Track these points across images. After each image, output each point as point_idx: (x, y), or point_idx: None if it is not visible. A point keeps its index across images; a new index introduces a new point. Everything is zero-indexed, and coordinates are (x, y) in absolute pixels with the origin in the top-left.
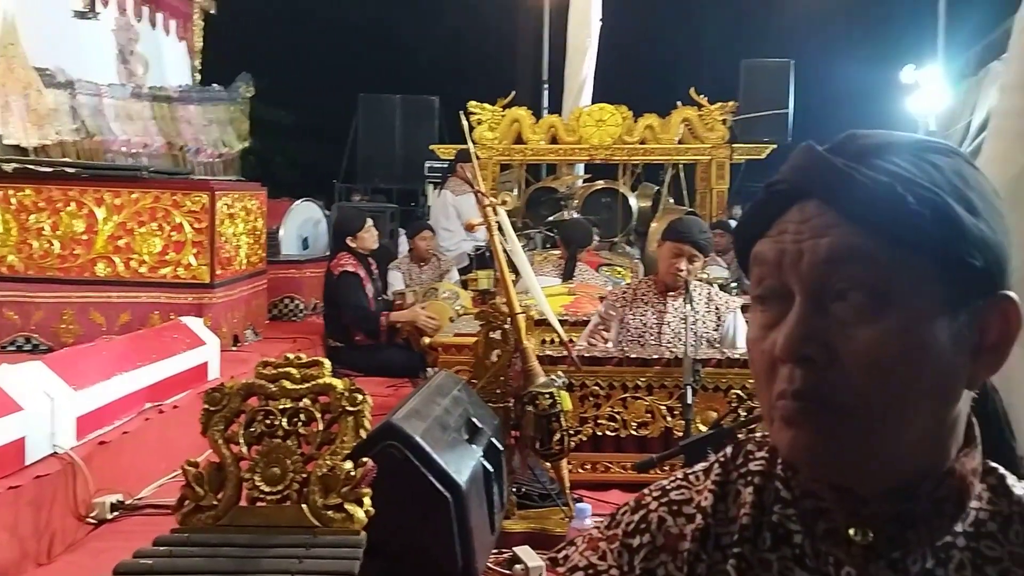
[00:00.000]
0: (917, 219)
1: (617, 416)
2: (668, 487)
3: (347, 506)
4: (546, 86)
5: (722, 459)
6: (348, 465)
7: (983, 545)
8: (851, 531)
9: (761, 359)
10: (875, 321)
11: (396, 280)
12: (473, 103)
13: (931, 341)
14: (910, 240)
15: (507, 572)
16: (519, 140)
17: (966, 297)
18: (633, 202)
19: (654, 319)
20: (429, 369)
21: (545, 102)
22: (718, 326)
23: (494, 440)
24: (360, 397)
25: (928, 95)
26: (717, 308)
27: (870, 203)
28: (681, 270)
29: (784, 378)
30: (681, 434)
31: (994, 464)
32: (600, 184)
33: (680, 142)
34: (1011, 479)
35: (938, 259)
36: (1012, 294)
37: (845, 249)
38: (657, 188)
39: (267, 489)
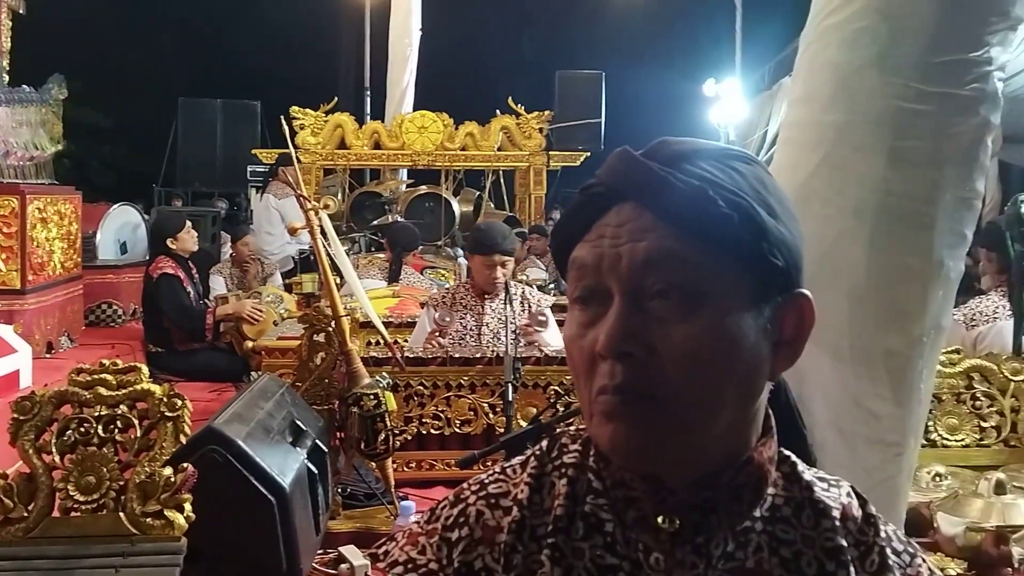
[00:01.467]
0: (727, 221)
1: (441, 415)
2: (486, 481)
3: (167, 513)
4: (368, 93)
5: (538, 452)
6: (167, 471)
7: (778, 529)
8: (659, 519)
9: (581, 356)
10: (690, 318)
11: (218, 285)
12: (296, 108)
13: (740, 336)
14: (720, 241)
15: (332, 572)
16: (342, 145)
17: (769, 294)
18: (455, 206)
19: (473, 322)
20: (253, 373)
21: (368, 108)
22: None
23: (319, 442)
24: (179, 402)
25: (728, 107)
26: (531, 307)
27: (685, 206)
28: (498, 279)
29: (604, 374)
30: (503, 430)
31: (787, 452)
32: (423, 189)
33: (499, 149)
34: (802, 466)
35: (745, 259)
36: (807, 291)
37: (662, 251)
38: (479, 193)
39: (81, 498)
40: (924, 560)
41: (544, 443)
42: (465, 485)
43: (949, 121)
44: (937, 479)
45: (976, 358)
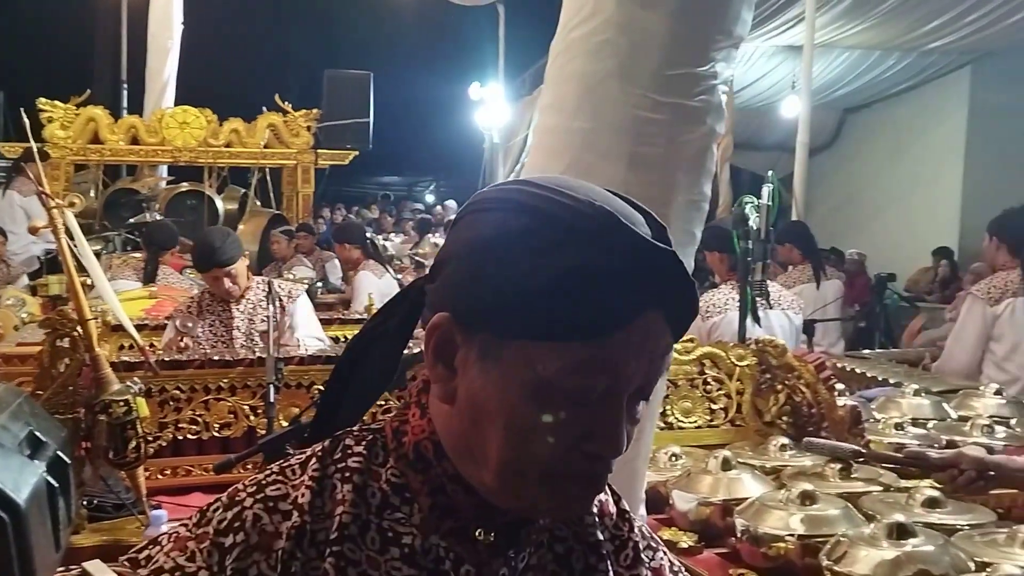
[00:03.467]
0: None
1: (199, 419)
2: (264, 482)
3: None
4: (126, 86)
5: (319, 453)
6: None
7: (555, 527)
8: (477, 532)
9: (559, 436)
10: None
11: None
12: (43, 100)
13: None
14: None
15: None
16: (96, 140)
17: None
18: (219, 204)
19: (222, 327)
20: None
21: (125, 102)
22: (283, 317)
23: (60, 453)
24: None
25: (492, 111)
26: (280, 299)
27: (691, 318)
28: (229, 289)
29: (592, 464)
30: (264, 432)
31: None
32: (185, 186)
33: (266, 146)
34: None
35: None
36: None
37: (669, 356)
38: (244, 191)
39: None
40: (665, 553)
41: (326, 444)
42: (240, 486)
43: (681, 129)
44: (673, 459)
45: (708, 346)
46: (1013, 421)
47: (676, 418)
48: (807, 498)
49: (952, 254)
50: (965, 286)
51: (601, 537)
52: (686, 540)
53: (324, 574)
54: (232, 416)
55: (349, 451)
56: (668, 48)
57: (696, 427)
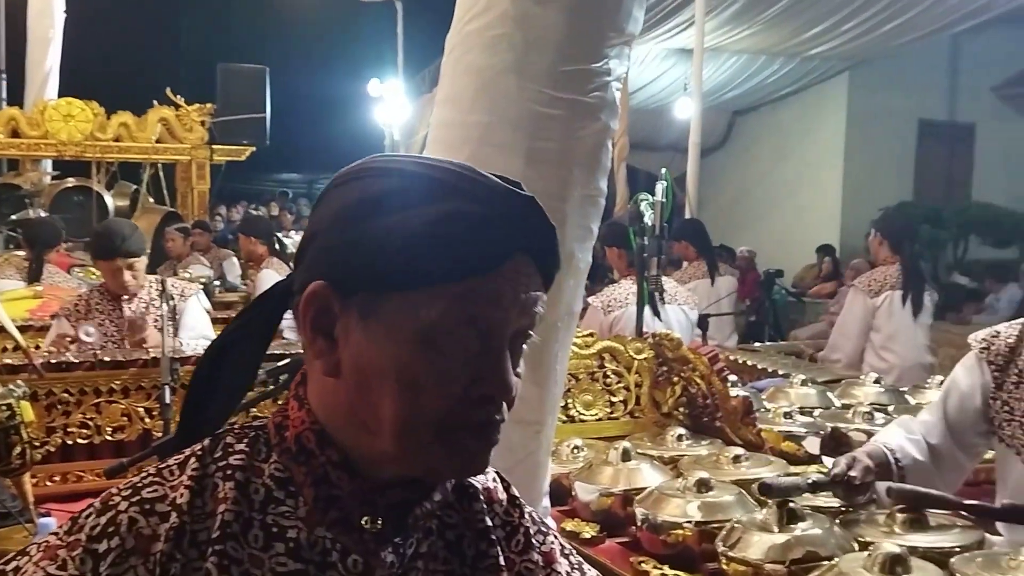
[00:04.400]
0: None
1: (90, 422)
2: (140, 485)
3: None
4: (4, 77)
5: (199, 452)
6: None
7: (445, 514)
8: (363, 520)
9: (450, 382)
10: (522, 353)
11: None
12: None
13: None
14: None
15: None
16: None
17: None
18: (109, 200)
19: (113, 327)
20: None
21: (4, 93)
22: (175, 316)
23: None
24: None
25: (392, 107)
26: (172, 298)
27: (556, 265)
28: (128, 282)
29: (485, 410)
30: (160, 435)
31: None
32: (71, 182)
33: (158, 141)
34: None
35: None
36: None
37: (541, 300)
38: (136, 187)
39: None
40: (556, 537)
41: (205, 443)
42: (114, 491)
43: (576, 125)
44: (575, 451)
45: (607, 340)
46: (891, 408)
47: (578, 411)
48: (703, 486)
49: (834, 251)
50: (846, 281)
51: (491, 523)
52: (588, 530)
53: (206, 574)
54: (126, 419)
55: (230, 449)
56: (563, 44)
57: (597, 420)
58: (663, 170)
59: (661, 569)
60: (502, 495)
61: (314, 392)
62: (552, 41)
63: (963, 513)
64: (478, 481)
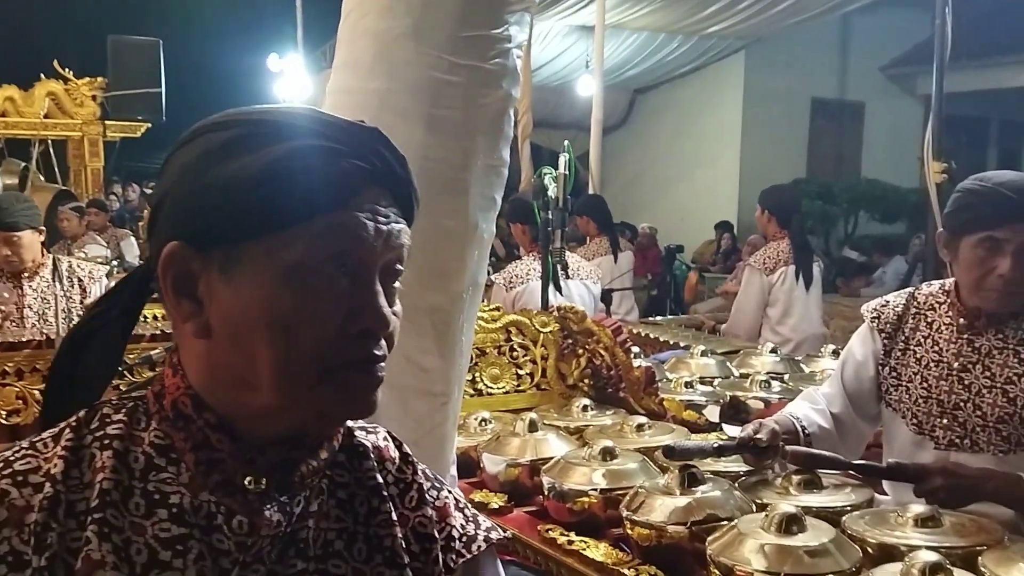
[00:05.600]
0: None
1: None
2: (12, 458)
3: None
4: None
5: (74, 424)
6: None
7: (335, 473)
8: (246, 480)
9: (323, 321)
10: (395, 293)
11: None
12: None
13: None
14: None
15: None
16: None
17: None
18: None
19: (13, 306)
20: None
21: None
22: (84, 298)
23: None
24: None
25: (292, 82)
26: (80, 280)
27: (414, 196)
28: (10, 257)
29: (363, 344)
30: None
31: None
32: None
33: (47, 116)
34: None
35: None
36: None
37: (405, 235)
38: (24, 165)
39: None
40: (450, 492)
41: (81, 415)
42: None
43: (477, 93)
44: (483, 424)
45: (513, 314)
46: (787, 376)
47: (485, 385)
48: (607, 454)
49: (732, 227)
50: (744, 257)
51: (382, 480)
52: (496, 501)
53: (86, 543)
54: (21, 402)
55: (108, 419)
56: (461, 9)
57: (504, 392)
58: (565, 143)
59: (568, 536)
60: (394, 452)
61: (187, 358)
62: (450, 6)
63: (852, 472)
64: (368, 440)
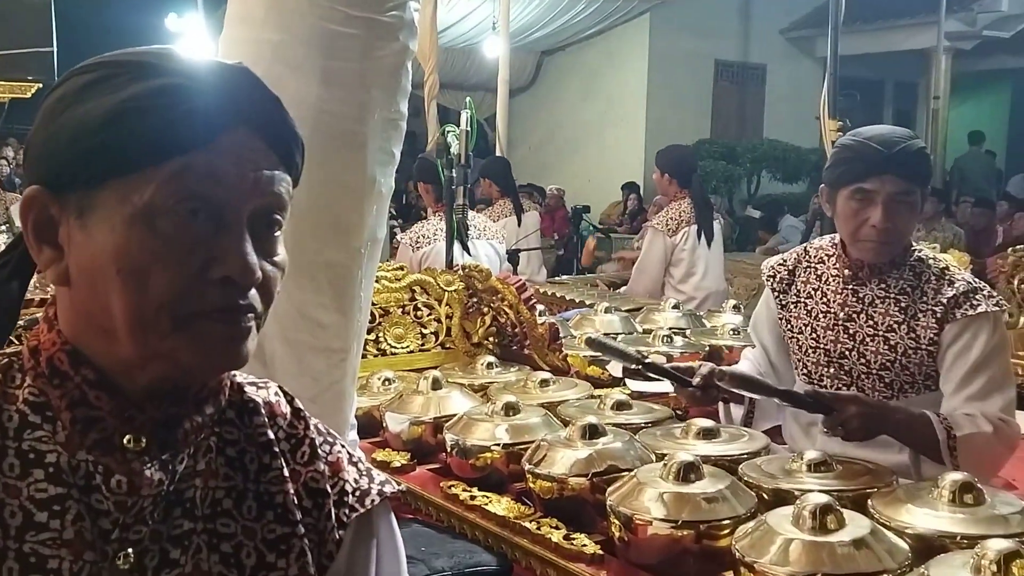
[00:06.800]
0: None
1: None
2: None
3: None
4: None
5: None
6: None
7: (224, 431)
8: (125, 438)
9: (177, 265)
10: (280, 244)
11: None
12: None
13: None
14: (297, 171)
15: None
16: None
17: None
18: None
19: None
20: None
21: None
22: None
23: None
24: None
25: (192, 44)
26: None
27: (293, 137)
28: None
29: (225, 293)
30: None
31: None
32: None
33: None
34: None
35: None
36: None
37: (281, 182)
38: None
39: None
40: (343, 447)
41: None
42: None
43: (374, 45)
44: (387, 384)
45: (418, 273)
46: (688, 331)
47: (389, 344)
48: (510, 409)
49: (639, 188)
50: (649, 217)
51: (273, 436)
52: (399, 459)
53: None
54: None
55: None
56: None
57: (408, 352)
58: (467, 99)
59: (470, 491)
60: (285, 408)
61: (60, 310)
62: None
63: (779, 401)
64: (259, 395)
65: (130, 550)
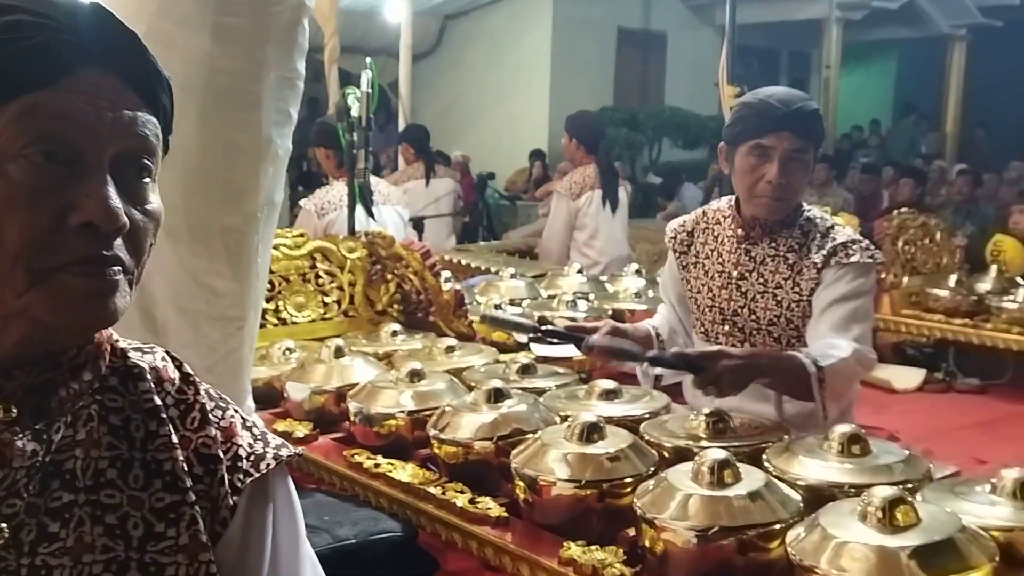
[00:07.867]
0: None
1: None
2: None
3: None
4: None
5: None
6: None
7: (107, 398)
8: None
9: (29, 212)
10: (154, 190)
11: None
12: None
13: None
14: (165, 113)
15: None
16: None
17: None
18: None
19: None
20: None
21: None
22: None
23: None
24: None
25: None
26: None
27: (155, 76)
28: None
29: (86, 242)
30: None
31: None
32: None
33: None
34: (115, 335)
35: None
36: None
37: (146, 124)
38: None
39: None
40: (236, 411)
41: None
42: None
43: (268, 1)
44: (287, 353)
45: (319, 240)
46: (592, 296)
47: (289, 313)
48: (415, 376)
49: (544, 156)
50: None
51: (160, 402)
52: (302, 429)
53: None
54: None
55: None
56: None
57: (310, 321)
58: (368, 59)
59: (374, 459)
60: (173, 373)
61: None
62: None
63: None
64: (144, 360)
65: (3, 525)
